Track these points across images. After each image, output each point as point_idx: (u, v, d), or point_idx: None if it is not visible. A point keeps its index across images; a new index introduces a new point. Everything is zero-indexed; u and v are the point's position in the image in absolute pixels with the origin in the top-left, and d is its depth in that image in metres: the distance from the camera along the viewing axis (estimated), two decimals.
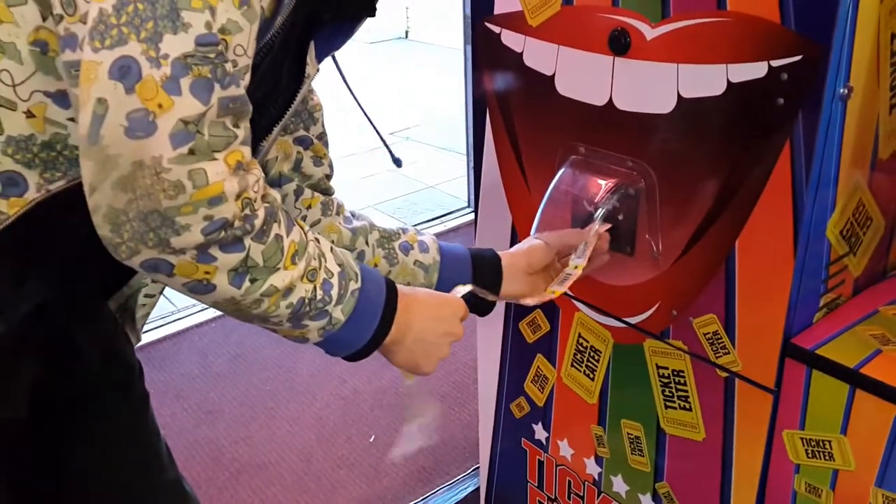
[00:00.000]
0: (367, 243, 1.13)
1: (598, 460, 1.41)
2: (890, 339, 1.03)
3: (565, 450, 1.47)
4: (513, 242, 1.39)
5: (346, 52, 0.98)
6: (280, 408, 2.40)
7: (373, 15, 0.91)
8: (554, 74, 1.21)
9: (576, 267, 1.14)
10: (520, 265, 1.16)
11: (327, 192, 1.15)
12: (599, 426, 1.38)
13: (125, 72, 0.63)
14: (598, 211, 1.17)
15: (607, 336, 1.31)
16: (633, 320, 1.25)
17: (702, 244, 1.10)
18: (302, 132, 1.11)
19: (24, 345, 0.85)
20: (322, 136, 1.13)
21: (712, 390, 1.16)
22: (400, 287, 0.92)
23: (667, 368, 1.22)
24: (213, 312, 2.82)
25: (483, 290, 1.07)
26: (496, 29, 1.28)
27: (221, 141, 0.67)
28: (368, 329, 0.88)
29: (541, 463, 1.54)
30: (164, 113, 0.64)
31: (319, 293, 0.81)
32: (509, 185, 1.38)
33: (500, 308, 1.49)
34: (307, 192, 1.12)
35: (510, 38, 1.26)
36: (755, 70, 0.97)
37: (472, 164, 2.41)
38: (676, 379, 1.21)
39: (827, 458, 1.03)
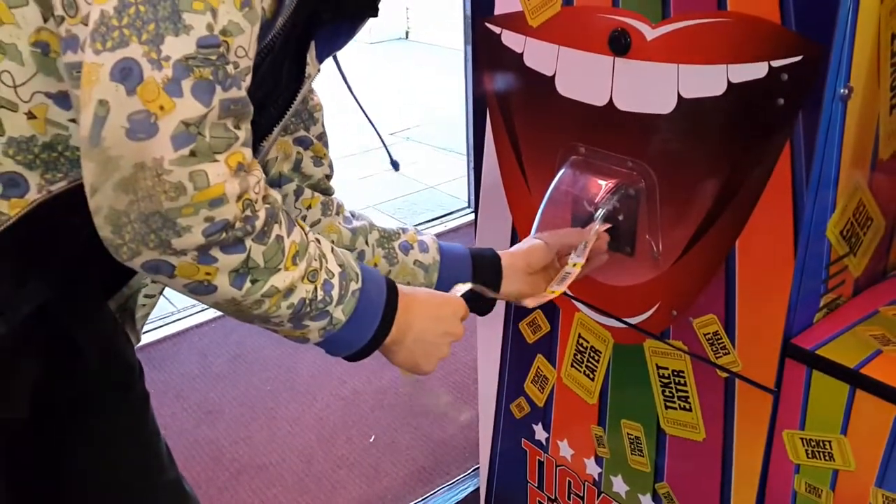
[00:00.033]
0: (366, 243, 1.14)
1: (598, 460, 1.41)
2: (890, 339, 1.03)
3: (565, 450, 1.48)
4: (513, 243, 1.38)
5: (347, 53, 0.98)
6: (280, 408, 2.40)
7: (375, 15, 0.91)
8: (554, 75, 1.22)
9: (574, 265, 1.14)
10: (520, 265, 1.16)
11: (327, 192, 1.15)
12: (599, 426, 1.38)
13: (126, 74, 0.63)
14: (599, 211, 1.17)
15: (607, 336, 1.31)
16: (634, 320, 1.25)
17: (702, 244, 1.10)
18: (302, 132, 1.11)
19: (25, 345, 0.85)
20: (322, 137, 1.13)
21: (712, 390, 1.16)
22: (400, 287, 0.92)
23: (667, 369, 1.22)
24: (213, 313, 2.82)
25: (483, 288, 1.07)
26: (496, 29, 1.28)
27: (223, 142, 0.67)
28: (369, 329, 0.88)
29: (541, 463, 1.54)
30: (166, 115, 0.64)
31: (320, 294, 0.81)
32: (509, 186, 1.39)
33: (499, 308, 1.49)
34: (307, 192, 1.12)
35: (510, 39, 1.27)
36: (755, 70, 0.97)
37: (472, 165, 2.42)
38: (676, 379, 1.21)
39: (827, 458, 1.04)
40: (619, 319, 1.28)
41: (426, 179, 4.31)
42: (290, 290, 0.78)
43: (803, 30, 0.91)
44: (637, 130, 1.13)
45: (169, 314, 2.86)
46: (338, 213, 1.15)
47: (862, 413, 0.98)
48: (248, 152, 0.71)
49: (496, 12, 1.27)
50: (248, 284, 0.74)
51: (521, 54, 1.25)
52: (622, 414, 1.33)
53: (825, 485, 1.05)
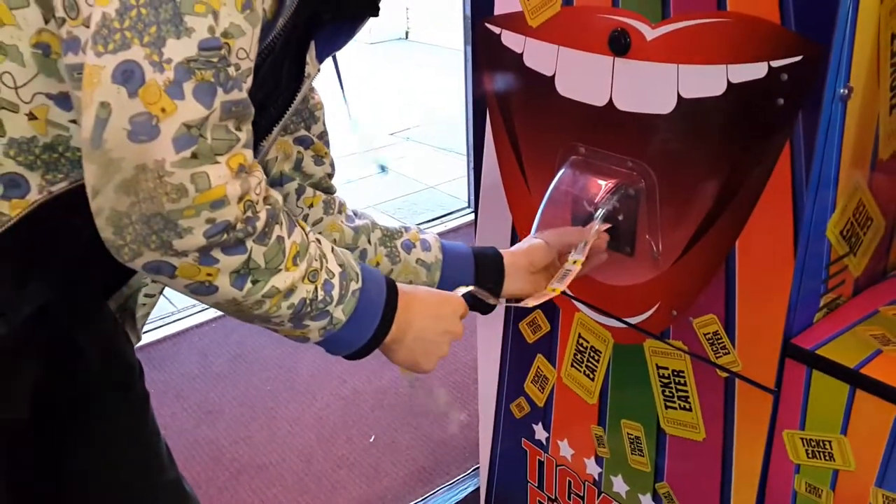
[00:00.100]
0: (369, 242, 1.14)
1: (599, 460, 1.41)
2: (890, 339, 1.03)
3: (565, 450, 1.48)
4: (513, 243, 1.38)
5: (347, 53, 0.98)
6: (280, 408, 2.40)
7: (376, 14, 0.91)
8: (554, 75, 1.22)
9: (574, 262, 1.14)
10: (522, 263, 1.16)
11: (329, 190, 1.15)
12: (599, 426, 1.38)
13: (128, 76, 0.63)
14: (599, 211, 1.17)
15: (607, 336, 1.31)
16: (634, 320, 1.25)
17: (702, 244, 1.11)
18: (303, 132, 1.11)
19: (26, 346, 0.85)
20: (323, 136, 1.14)
21: (712, 390, 1.16)
22: (400, 286, 0.92)
23: (667, 369, 1.22)
24: (213, 313, 2.82)
25: (483, 293, 1.07)
26: (496, 29, 1.28)
27: (224, 144, 0.67)
28: (369, 328, 0.88)
29: (541, 463, 1.54)
30: (168, 117, 0.64)
31: (321, 294, 0.81)
32: (509, 186, 1.39)
33: (500, 308, 1.49)
34: (309, 191, 1.13)
35: (510, 39, 1.27)
36: (755, 70, 0.97)
37: (472, 165, 2.42)
38: (676, 379, 1.21)
39: (827, 458, 1.04)
40: (619, 319, 1.28)
41: (426, 179, 4.31)
42: (290, 291, 0.78)
43: (803, 30, 0.92)
44: (637, 130, 1.13)
45: (169, 314, 2.86)
46: (340, 212, 1.15)
47: (862, 413, 0.99)
48: (249, 154, 0.71)
49: (496, 12, 1.27)
50: (248, 285, 0.75)
51: (521, 54, 1.25)
52: (622, 414, 1.33)
53: (825, 485, 1.05)
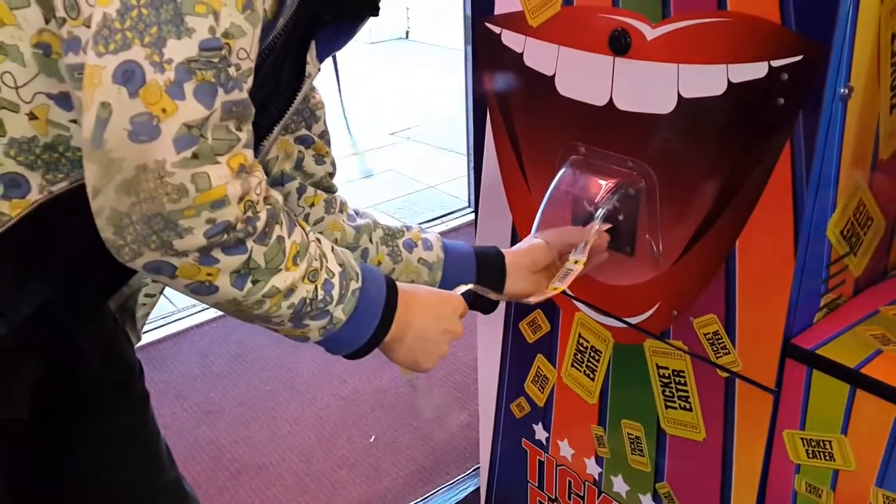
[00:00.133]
0: (370, 241, 1.14)
1: (599, 460, 1.41)
2: (890, 339, 1.03)
3: (566, 450, 1.48)
4: (513, 242, 1.39)
5: (347, 53, 0.98)
6: (280, 408, 2.40)
7: (376, 14, 0.91)
8: (554, 75, 1.22)
9: (576, 262, 1.14)
10: (524, 263, 1.16)
11: (330, 189, 1.15)
12: (600, 426, 1.38)
13: (129, 76, 0.63)
14: (599, 211, 1.17)
15: (608, 336, 1.31)
16: (634, 320, 1.25)
17: (702, 244, 1.11)
18: (304, 131, 1.11)
19: (26, 346, 0.85)
20: (324, 135, 1.14)
21: (713, 390, 1.16)
22: (400, 285, 0.92)
23: (667, 368, 1.22)
24: (213, 312, 2.82)
25: (484, 289, 1.07)
26: (496, 29, 1.28)
27: (224, 144, 0.67)
28: (369, 328, 0.89)
29: (541, 463, 1.54)
30: (168, 117, 0.64)
31: (321, 293, 0.82)
32: (510, 186, 1.39)
33: (500, 308, 1.49)
34: (310, 190, 1.13)
35: (510, 39, 1.27)
36: (755, 70, 0.97)
37: (472, 165, 2.42)
38: (677, 379, 1.21)
39: (827, 458, 1.04)
40: (619, 319, 1.28)
41: (426, 179, 4.31)
42: (290, 290, 0.78)
43: (803, 29, 0.92)
44: (637, 130, 1.13)
45: (169, 314, 2.86)
46: (341, 211, 1.15)
47: (862, 413, 0.99)
48: (249, 154, 0.71)
49: (496, 12, 1.27)
50: (249, 285, 0.75)
51: (521, 54, 1.25)
52: (622, 414, 1.33)
53: (825, 485, 1.05)
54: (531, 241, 1.20)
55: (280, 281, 0.77)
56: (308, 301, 0.80)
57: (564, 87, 1.21)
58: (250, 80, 0.71)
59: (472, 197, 2.21)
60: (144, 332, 1.11)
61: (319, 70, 0.93)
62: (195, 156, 0.66)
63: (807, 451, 1.06)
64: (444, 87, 5.74)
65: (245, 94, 0.69)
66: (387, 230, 1.15)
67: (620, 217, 1.18)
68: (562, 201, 1.24)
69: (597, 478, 1.43)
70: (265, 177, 0.74)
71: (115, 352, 1.03)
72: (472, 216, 1.86)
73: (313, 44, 0.87)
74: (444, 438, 2.23)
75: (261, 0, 0.70)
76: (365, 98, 5.47)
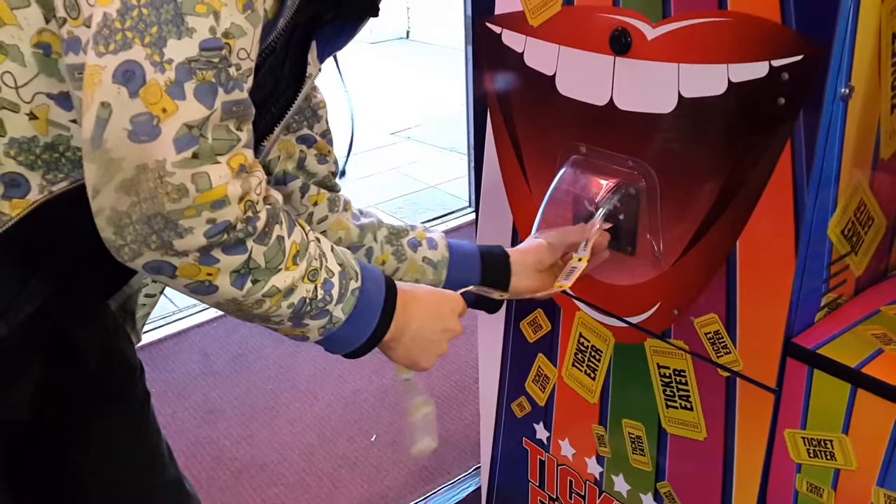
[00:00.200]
0: (375, 240, 1.14)
1: (600, 460, 1.41)
2: (891, 338, 1.03)
3: (566, 449, 1.48)
4: (514, 242, 1.39)
5: (348, 52, 0.98)
6: (281, 407, 2.40)
7: (376, 15, 0.91)
8: (555, 74, 1.22)
9: (580, 259, 1.14)
10: (529, 261, 1.17)
11: (333, 188, 1.15)
12: (600, 426, 1.38)
13: (129, 76, 0.63)
14: (599, 210, 1.17)
15: (608, 336, 1.31)
16: (635, 320, 1.25)
17: (703, 244, 1.11)
18: (305, 130, 1.11)
19: (26, 346, 0.86)
20: (326, 134, 1.14)
21: (713, 390, 1.16)
22: (399, 284, 0.92)
23: (668, 368, 1.22)
24: (214, 312, 2.82)
25: (486, 289, 1.07)
26: (497, 29, 1.28)
27: (224, 144, 0.68)
28: (368, 327, 0.89)
29: (542, 462, 1.54)
30: (168, 117, 0.64)
31: (320, 293, 0.82)
32: (510, 185, 1.39)
33: (501, 308, 1.49)
34: (313, 189, 1.13)
35: (511, 38, 1.27)
36: (756, 70, 0.97)
37: (472, 164, 2.42)
38: (677, 378, 1.21)
39: (828, 457, 1.04)
40: (620, 319, 1.28)
41: (427, 179, 4.31)
42: (290, 290, 0.78)
43: (804, 29, 0.91)
44: (638, 130, 1.13)
45: (170, 313, 2.86)
46: (345, 210, 1.15)
47: (863, 412, 0.98)
48: (249, 154, 0.71)
49: (496, 12, 1.27)
50: (249, 284, 0.75)
51: (522, 54, 1.25)
52: (623, 413, 1.33)
53: (827, 484, 1.05)
54: (533, 241, 1.20)
55: (280, 280, 0.77)
56: (308, 301, 0.80)
57: (565, 87, 1.21)
58: (251, 80, 0.71)
59: (473, 197, 2.21)
60: (145, 332, 1.11)
61: (320, 70, 0.93)
62: (195, 156, 0.66)
63: (808, 450, 1.06)
64: (444, 87, 5.73)
65: (245, 94, 0.69)
66: (391, 229, 1.15)
67: (621, 217, 1.18)
68: (562, 201, 1.24)
69: (598, 477, 1.43)
70: (265, 176, 0.75)
71: (116, 352, 1.03)
72: (473, 216, 1.86)
73: (314, 44, 0.88)
74: (445, 438, 2.23)
75: (261, 0, 0.70)
76: (365, 98, 5.47)
